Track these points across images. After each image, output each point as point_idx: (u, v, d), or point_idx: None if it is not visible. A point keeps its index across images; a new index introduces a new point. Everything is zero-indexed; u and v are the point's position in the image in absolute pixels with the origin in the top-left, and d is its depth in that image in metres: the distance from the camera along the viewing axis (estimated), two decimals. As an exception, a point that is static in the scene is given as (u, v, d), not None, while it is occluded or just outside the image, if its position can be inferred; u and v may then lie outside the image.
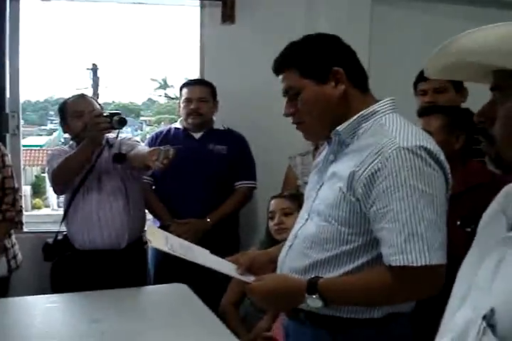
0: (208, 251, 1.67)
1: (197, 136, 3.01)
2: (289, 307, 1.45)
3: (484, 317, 0.82)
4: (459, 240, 1.34)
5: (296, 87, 1.45)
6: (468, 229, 1.69)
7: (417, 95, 2.56)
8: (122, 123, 2.44)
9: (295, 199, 2.44)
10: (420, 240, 1.26)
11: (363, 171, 1.32)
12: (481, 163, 2.14)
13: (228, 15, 3.14)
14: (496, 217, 0.95)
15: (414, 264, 1.25)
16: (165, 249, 1.49)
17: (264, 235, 2.56)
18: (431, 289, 1.29)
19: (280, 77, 1.49)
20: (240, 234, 3.13)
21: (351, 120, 1.42)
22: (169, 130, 3.06)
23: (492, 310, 0.81)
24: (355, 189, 1.34)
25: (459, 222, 1.75)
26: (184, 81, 3.08)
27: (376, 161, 1.31)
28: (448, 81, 2.46)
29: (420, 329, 1.46)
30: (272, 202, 2.51)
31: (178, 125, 3.06)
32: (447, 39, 0.93)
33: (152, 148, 2.37)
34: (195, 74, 3.32)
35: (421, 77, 2.53)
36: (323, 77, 1.42)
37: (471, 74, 0.96)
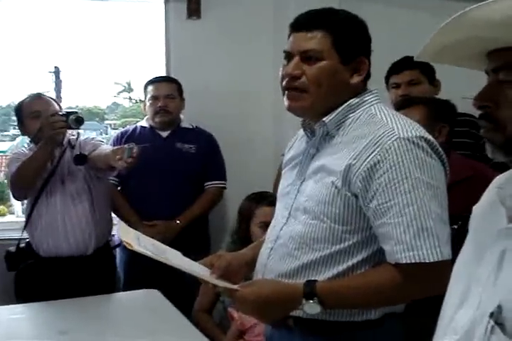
0: (180, 253, 1.58)
1: (164, 134, 2.92)
2: (283, 315, 1.33)
3: (491, 315, 0.76)
4: None
5: (322, 53, 1.33)
6: (455, 226, 1.64)
7: (388, 89, 2.52)
8: (79, 122, 2.36)
9: None
10: (430, 235, 1.20)
11: (361, 164, 1.24)
12: (463, 157, 2.10)
13: (194, 10, 3.07)
14: (492, 209, 0.90)
15: (427, 261, 1.19)
16: (147, 253, 1.38)
17: (233, 239, 2.45)
18: (441, 286, 1.21)
19: (303, 34, 1.35)
20: (210, 235, 3.06)
21: (338, 110, 1.34)
22: (135, 129, 2.97)
23: (499, 307, 0.75)
24: (351, 183, 1.26)
25: None
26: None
27: (375, 153, 1.23)
28: (422, 73, 2.43)
29: (410, 328, 1.40)
30: (266, 210, 2.31)
31: (144, 123, 2.98)
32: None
33: (115, 147, 2.30)
34: (161, 72, 3.24)
35: (393, 70, 2.51)
36: (349, 59, 1.34)
37: (464, 57, 0.91)
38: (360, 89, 1.38)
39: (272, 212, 2.19)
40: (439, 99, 2.20)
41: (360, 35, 1.38)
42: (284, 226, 1.40)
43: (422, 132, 1.27)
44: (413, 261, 1.20)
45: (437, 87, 2.48)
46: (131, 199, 2.85)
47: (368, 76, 1.41)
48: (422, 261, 1.19)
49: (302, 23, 1.36)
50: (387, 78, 2.52)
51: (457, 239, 1.20)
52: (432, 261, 1.19)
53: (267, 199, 2.39)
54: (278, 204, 1.50)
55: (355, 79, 1.36)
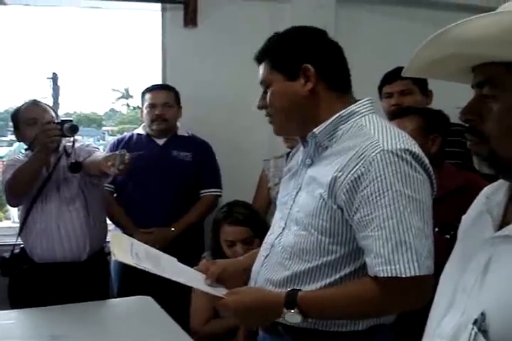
0: (175, 259, 1.59)
1: (160, 142, 2.93)
2: (266, 322, 1.36)
3: (475, 322, 0.77)
4: (439, 247, 1.30)
5: (267, 80, 1.40)
6: (448, 236, 1.64)
7: (381, 98, 2.53)
8: (73, 130, 2.38)
9: (251, 221, 2.29)
10: (408, 249, 1.18)
11: (346, 176, 1.24)
12: (455, 166, 2.11)
13: (190, 19, 3.07)
14: (479, 219, 0.91)
15: (403, 275, 1.18)
16: (130, 262, 1.38)
17: (210, 254, 2.40)
18: (420, 301, 1.22)
19: (260, 67, 1.44)
20: (205, 242, 3.03)
21: (328, 122, 1.34)
22: (131, 136, 2.98)
23: (483, 314, 0.76)
24: (336, 196, 1.26)
25: (437, 229, 1.69)
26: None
27: (359, 165, 1.23)
28: (414, 83, 2.44)
29: (402, 338, 1.40)
30: (228, 229, 2.30)
31: (140, 131, 2.98)
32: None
33: (107, 154, 2.30)
34: (158, 80, 3.24)
35: (386, 80, 2.51)
36: (293, 73, 1.35)
37: (450, 72, 0.92)
38: (331, 96, 1.36)
39: (233, 231, 2.25)
40: (432, 110, 2.21)
41: (295, 45, 1.38)
42: (279, 236, 1.41)
43: (408, 145, 1.25)
44: (389, 275, 1.19)
45: (429, 97, 2.49)
46: (126, 206, 2.85)
47: (341, 79, 1.39)
48: (399, 275, 1.18)
49: (255, 58, 1.44)
50: (380, 88, 2.53)
51: (449, 249, 1.22)
52: (408, 275, 1.18)
53: (231, 216, 2.33)
54: (276, 213, 1.50)
55: (307, 87, 1.34)
